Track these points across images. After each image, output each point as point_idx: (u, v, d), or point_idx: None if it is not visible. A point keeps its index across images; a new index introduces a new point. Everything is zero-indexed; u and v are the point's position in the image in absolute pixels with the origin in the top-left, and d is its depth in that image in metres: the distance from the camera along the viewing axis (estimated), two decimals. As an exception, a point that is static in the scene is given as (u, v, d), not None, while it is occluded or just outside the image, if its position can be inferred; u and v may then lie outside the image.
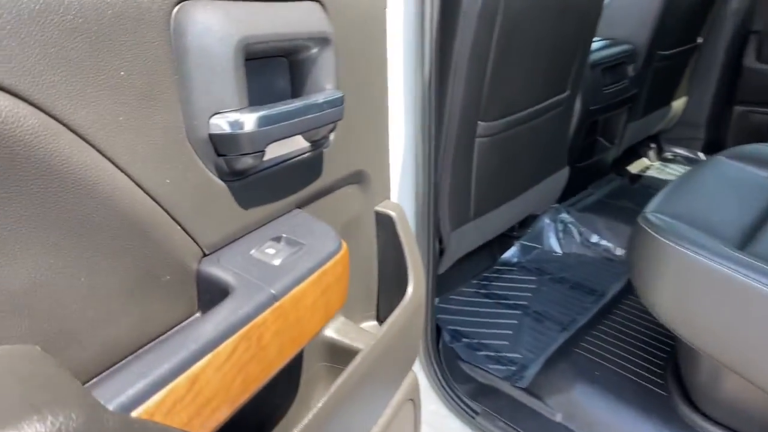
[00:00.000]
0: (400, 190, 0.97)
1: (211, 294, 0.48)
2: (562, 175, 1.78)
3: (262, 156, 0.49)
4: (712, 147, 2.61)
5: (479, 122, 1.31)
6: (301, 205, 0.63)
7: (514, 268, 1.83)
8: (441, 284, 1.69)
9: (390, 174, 0.86)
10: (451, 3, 1.11)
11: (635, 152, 2.58)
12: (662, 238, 0.99)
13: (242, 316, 0.44)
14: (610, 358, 1.37)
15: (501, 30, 1.18)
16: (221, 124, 0.46)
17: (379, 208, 0.80)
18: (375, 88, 0.74)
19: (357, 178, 0.75)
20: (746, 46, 2.39)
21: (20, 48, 0.32)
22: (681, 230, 1.01)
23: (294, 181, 0.60)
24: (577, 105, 1.76)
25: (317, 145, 0.63)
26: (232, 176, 0.50)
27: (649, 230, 1.03)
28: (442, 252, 1.43)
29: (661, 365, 1.34)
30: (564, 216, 1.99)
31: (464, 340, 1.48)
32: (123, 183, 0.39)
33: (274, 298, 0.47)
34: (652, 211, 1.08)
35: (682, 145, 2.68)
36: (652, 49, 2.00)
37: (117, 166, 0.39)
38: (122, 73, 0.39)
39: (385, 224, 0.81)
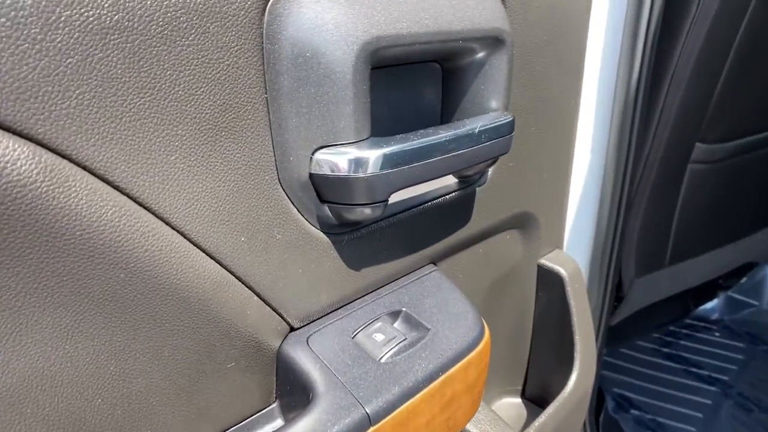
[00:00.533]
0: (576, 232, 0.75)
1: (291, 386, 0.35)
2: (802, 219, 1.35)
3: (385, 207, 0.35)
4: None
5: (697, 144, 1.01)
6: (437, 260, 0.47)
7: (714, 327, 1.45)
8: (613, 333, 1.40)
9: (565, 217, 0.66)
10: None
11: None
12: None
13: None
14: None
15: (749, 27, 0.87)
16: (328, 162, 0.32)
17: (544, 261, 0.61)
18: (562, 105, 0.55)
19: (519, 222, 0.57)
20: None
21: (13, 60, 0.21)
22: None
23: (431, 229, 0.44)
24: None
25: (469, 182, 0.46)
26: (341, 228, 0.37)
27: None
28: (620, 300, 1.16)
29: None
30: (796, 269, 1.53)
31: (633, 412, 1.19)
32: (172, 243, 0.28)
33: (368, 422, 0.33)
34: None
35: None
36: None
37: (164, 220, 0.28)
38: (179, 91, 0.27)
39: (551, 282, 0.62)
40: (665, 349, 1.38)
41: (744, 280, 1.54)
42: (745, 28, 0.88)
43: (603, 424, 1.12)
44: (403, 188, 0.35)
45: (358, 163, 0.32)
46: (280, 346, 0.36)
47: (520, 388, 0.69)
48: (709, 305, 1.51)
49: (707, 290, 1.55)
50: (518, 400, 0.68)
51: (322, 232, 0.36)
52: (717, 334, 1.42)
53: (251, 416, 0.36)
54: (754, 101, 0.99)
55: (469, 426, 0.57)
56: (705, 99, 0.94)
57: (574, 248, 0.77)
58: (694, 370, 1.30)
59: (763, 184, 1.18)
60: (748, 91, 0.96)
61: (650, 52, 0.68)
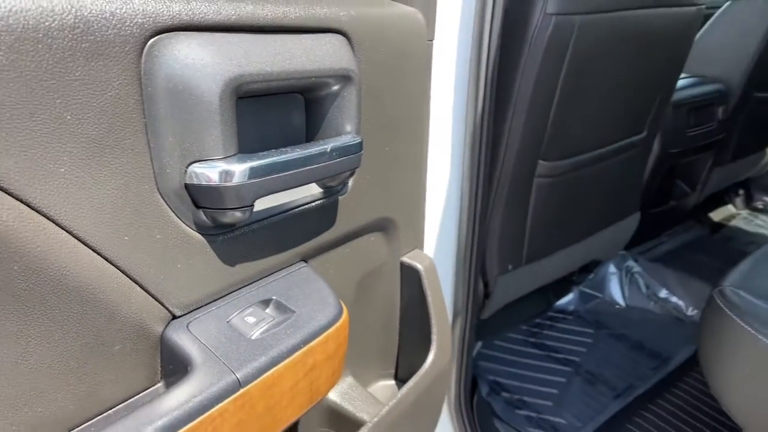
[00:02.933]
0: (439, 235, 0.89)
1: (174, 365, 0.42)
2: (632, 221, 1.62)
3: (251, 210, 0.43)
4: (814, 200, 2.34)
5: (540, 161, 1.20)
6: (308, 258, 0.57)
7: (570, 317, 1.68)
8: (486, 327, 1.58)
9: (424, 220, 0.78)
10: (514, 35, 1.02)
11: (720, 199, 2.34)
12: (739, 320, 0.85)
13: (194, 406, 0.38)
14: (670, 439, 1.21)
15: (571, 64, 1.07)
16: (201, 173, 0.40)
17: (405, 259, 0.73)
18: (411, 128, 0.67)
19: (382, 226, 0.68)
20: None
21: None
22: (762, 313, 0.86)
23: (299, 231, 0.54)
24: (655, 147, 1.60)
25: (331, 191, 0.57)
26: (216, 229, 0.45)
27: (724, 307, 0.89)
28: (487, 296, 1.33)
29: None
30: (631, 264, 1.82)
31: (504, 394, 1.36)
32: (62, 241, 0.34)
33: (238, 385, 0.41)
34: (731, 284, 0.94)
35: (778, 195, 2.41)
36: (748, 90, 1.80)
37: (55, 222, 0.34)
38: (68, 116, 0.34)
39: (411, 277, 0.73)
40: (532, 339, 1.58)
41: (591, 275, 1.81)
42: (569, 60, 1.08)
43: (477, 406, 1.27)
44: (266, 195, 0.43)
45: (225, 174, 0.40)
46: (163, 332, 0.43)
47: (392, 371, 0.80)
48: (565, 299, 1.75)
49: (564, 287, 1.79)
50: (391, 382, 0.79)
51: (198, 233, 0.43)
52: (572, 322, 1.65)
53: (138, 394, 0.43)
54: (579, 127, 1.20)
55: (346, 404, 0.66)
56: (542, 124, 1.13)
57: (441, 253, 0.91)
58: (553, 354, 1.51)
59: (597, 195, 1.42)
60: (573, 118, 1.17)
61: (492, 86, 0.83)
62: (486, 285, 1.32)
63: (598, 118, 1.24)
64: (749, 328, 0.83)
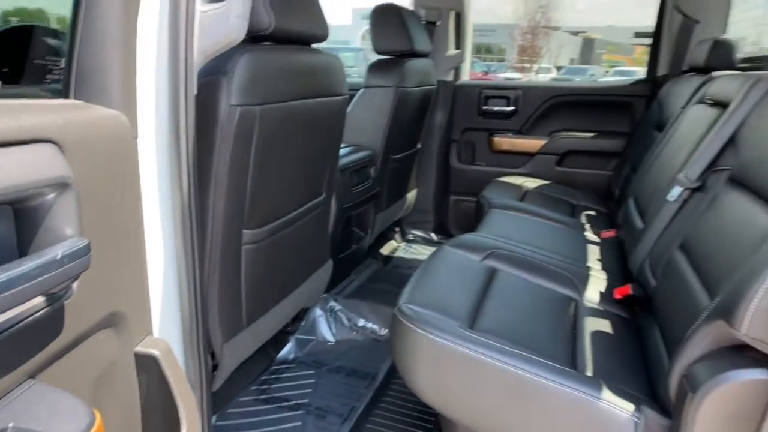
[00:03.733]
0: (164, 316, 0.91)
1: None
2: (327, 268, 1.90)
3: None
4: (440, 228, 3.15)
5: (244, 231, 1.34)
6: (36, 373, 0.55)
7: (293, 365, 1.84)
8: (217, 399, 1.59)
9: (151, 305, 0.81)
10: (208, 123, 1.14)
11: (385, 237, 2.92)
12: (416, 328, 1.14)
13: None
14: (389, 440, 1.47)
15: (258, 145, 1.25)
16: None
17: (139, 349, 0.74)
18: (126, 221, 0.71)
19: (111, 321, 0.69)
20: (450, 150, 3.02)
21: None
22: (428, 318, 1.18)
23: (23, 348, 0.52)
24: (333, 205, 1.94)
25: (54, 298, 0.56)
26: None
27: (404, 321, 1.18)
28: (216, 367, 1.37)
29: (430, 436, 1.48)
30: (333, 304, 2.11)
31: (249, 457, 1.41)
32: None
33: None
34: (404, 302, 1.24)
35: (419, 228, 3.15)
36: (386, 154, 2.35)
37: None
38: None
39: (148, 364, 0.75)
40: (263, 396, 1.66)
41: (303, 322, 2.02)
42: (256, 142, 1.25)
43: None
44: None
45: None
46: None
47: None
48: (285, 350, 1.90)
49: (282, 339, 1.95)
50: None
51: None
52: (295, 369, 1.81)
53: None
54: (273, 197, 1.40)
55: None
56: (241, 198, 1.28)
57: (167, 334, 0.93)
58: (285, 404, 1.63)
59: (296, 252, 1.63)
60: (267, 190, 1.36)
61: (193, 170, 0.91)
62: (213, 356, 1.36)
63: (287, 188, 1.47)
64: (425, 333, 1.12)
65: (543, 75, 18.67)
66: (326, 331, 2.02)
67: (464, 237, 1.71)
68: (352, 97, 2.28)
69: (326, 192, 1.74)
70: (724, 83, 1.65)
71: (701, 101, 1.77)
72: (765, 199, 1.03)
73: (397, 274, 2.60)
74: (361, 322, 2.08)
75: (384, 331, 2.04)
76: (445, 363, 1.12)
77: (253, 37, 1.25)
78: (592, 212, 2.44)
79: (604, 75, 20.02)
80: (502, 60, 26.78)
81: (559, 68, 20.96)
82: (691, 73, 2.27)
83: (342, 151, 2.12)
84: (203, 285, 0.98)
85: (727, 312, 0.85)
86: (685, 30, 2.49)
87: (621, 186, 2.44)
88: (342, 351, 1.93)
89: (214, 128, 1.15)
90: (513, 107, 2.94)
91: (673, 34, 2.57)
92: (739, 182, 1.19)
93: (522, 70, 18.84)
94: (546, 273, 1.56)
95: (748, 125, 1.27)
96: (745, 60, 2.15)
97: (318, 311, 2.06)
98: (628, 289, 1.47)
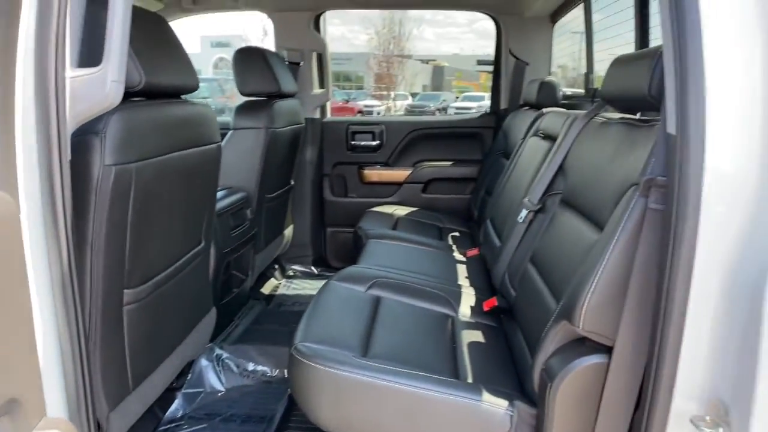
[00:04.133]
0: (50, 392, 0.87)
1: None
2: (211, 316, 1.87)
3: None
4: (319, 261, 3.23)
5: (125, 290, 1.29)
6: None
7: (182, 422, 1.76)
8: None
9: (42, 387, 0.78)
10: (83, 185, 1.11)
11: (265, 276, 2.91)
12: (313, 364, 1.20)
13: None
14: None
15: (136, 202, 1.23)
16: None
17: None
18: (17, 302, 0.69)
19: (5, 410, 0.66)
20: (323, 184, 3.13)
21: None
22: (324, 353, 1.24)
23: None
24: (213, 251, 1.92)
25: None
26: None
27: (301, 359, 1.23)
28: (103, 439, 1.29)
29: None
30: (219, 352, 2.06)
31: None
32: None
33: None
34: (300, 341, 1.29)
35: (299, 263, 3.20)
36: (261, 194, 2.38)
37: None
38: None
39: None
40: (153, 463, 1.58)
41: (189, 376, 1.95)
42: (132, 206, 1.23)
43: None
44: None
45: None
46: None
47: None
48: (172, 408, 1.81)
49: (168, 397, 1.86)
50: None
51: None
52: (185, 427, 1.74)
53: None
54: (153, 252, 1.37)
55: None
56: (120, 258, 1.24)
57: (56, 410, 0.88)
58: (179, 464, 1.56)
59: (179, 306, 1.59)
60: (147, 246, 1.33)
61: (70, 234, 0.88)
62: (99, 427, 1.28)
63: (167, 241, 1.44)
64: (323, 367, 1.18)
65: (400, 101, 19.78)
66: (215, 381, 1.97)
67: (348, 270, 1.81)
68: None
69: (205, 239, 1.73)
70: (551, 119, 1.97)
71: (536, 134, 2.09)
72: (588, 217, 1.27)
73: (282, 312, 2.61)
74: (251, 366, 2.06)
75: (276, 372, 2.04)
76: (345, 392, 1.19)
77: (124, 94, 1.24)
78: (456, 233, 2.70)
79: (456, 100, 21.81)
80: (360, 87, 27.89)
81: (413, 95, 22.37)
82: (526, 108, 2.65)
83: (217, 195, 2.11)
84: (88, 353, 0.95)
85: (568, 313, 1.04)
86: (518, 70, 2.91)
87: (479, 208, 2.73)
88: (234, 399, 1.89)
89: (89, 190, 1.12)
90: (378, 141, 3.14)
91: (509, 73, 2.97)
92: (568, 203, 1.45)
93: (380, 97, 19.77)
94: (424, 295, 1.71)
95: (571, 155, 1.54)
96: (565, 97, 2.56)
97: (204, 362, 2.00)
98: (494, 302, 1.67)
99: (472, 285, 1.92)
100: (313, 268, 3.19)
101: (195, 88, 1.51)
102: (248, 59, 2.36)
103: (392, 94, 19.37)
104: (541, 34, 2.93)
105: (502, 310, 1.65)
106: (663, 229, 0.85)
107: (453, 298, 1.73)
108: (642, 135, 1.12)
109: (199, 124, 1.53)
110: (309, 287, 2.95)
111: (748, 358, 0.72)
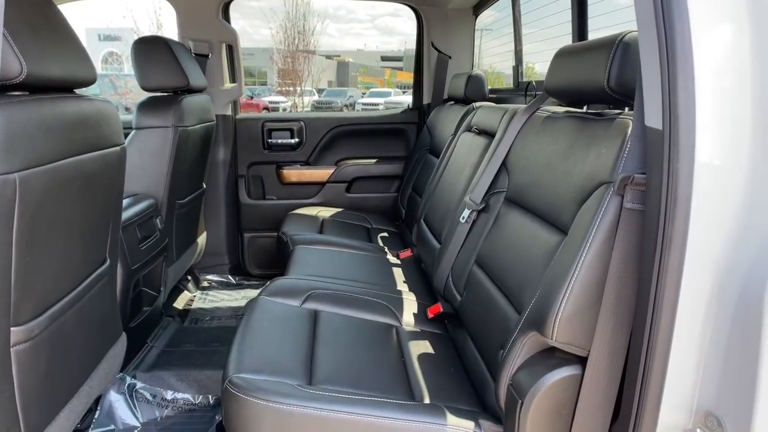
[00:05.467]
0: None
1: None
2: (120, 343, 1.63)
3: None
4: (237, 269, 3.00)
5: (12, 329, 1.05)
6: None
7: (90, 470, 1.52)
8: None
9: None
10: None
11: (178, 290, 2.64)
12: (252, 399, 1.05)
13: None
14: None
15: (22, 221, 1.00)
16: None
17: None
18: None
19: None
20: (238, 186, 2.91)
21: None
22: (264, 384, 1.09)
23: None
24: (120, 269, 1.67)
25: None
26: None
27: (238, 393, 1.07)
28: None
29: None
30: (131, 383, 1.81)
31: None
32: None
33: None
34: (234, 373, 1.13)
35: (214, 272, 2.95)
36: (172, 200, 2.13)
37: None
38: None
39: None
40: None
41: (96, 413, 1.69)
42: (17, 224, 0.99)
43: None
44: None
45: None
46: None
47: None
48: (77, 454, 1.56)
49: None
50: None
51: None
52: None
53: None
54: (47, 278, 1.13)
55: None
56: (4, 288, 1.00)
57: None
58: None
59: (81, 335, 1.35)
60: (38, 272, 1.09)
61: None
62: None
63: (64, 264, 1.21)
64: (264, 402, 1.03)
65: (307, 98, 19.37)
66: (127, 416, 1.73)
67: (278, 282, 1.65)
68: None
69: (110, 257, 1.48)
70: (485, 114, 1.93)
71: (468, 130, 2.04)
72: (541, 217, 1.22)
73: (199, 329, 2.37)
74: (170, 395, 1.83)
75: (199, 399, 1.83)
76: (292, 429, 1.05)
77: (1, 87, 1.00)
78: (385, 234, 2.61)
79: (362, 96, 21.83)
80: (264, 83, 27.01)
81: (320, 91, 22.03)
82: (451, 102, 2.61)
83: (122, 204, 1.85)
84: None
85: (538, 323, 0.98)
86: (441, 64, 2.86)
87: (407, 207, 2.66)
88: (152, 433, 1.67)
89: None
90: (297, 139, 2.97)
91: (432, 67, 2.92)
92: (514, 202, 1.40)
93: (287, 93, 19.22)
94: (364, 305, 1.60)
95: (513, 153, 1.50)
96: (492, 91, 2.55)
97: (113, 395, 1.75)
98: (438, 308, 1.60)
99: (411, 290, 1.83)
100: (230, 277, 2.97)
101: (92, 81, 1.28)
102: (151, 50, 2.09)
103: (299, 89, 18.93)
104: (464, 27, 2.91)
105: (447, 315, 1.58)
106: (642, 231, 0.80)
107: (394, 306, 1.63)
108: (600, 129, 1.08)
109: (100, 123, 1.30)
110: (227, 298, 2.73)
111: (745, 365, 0.69)
